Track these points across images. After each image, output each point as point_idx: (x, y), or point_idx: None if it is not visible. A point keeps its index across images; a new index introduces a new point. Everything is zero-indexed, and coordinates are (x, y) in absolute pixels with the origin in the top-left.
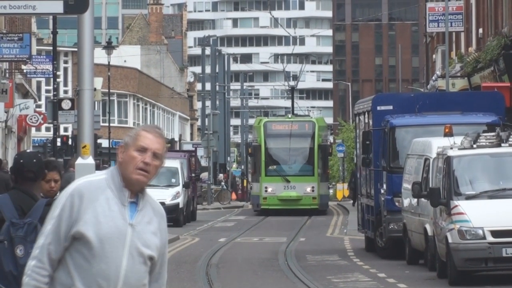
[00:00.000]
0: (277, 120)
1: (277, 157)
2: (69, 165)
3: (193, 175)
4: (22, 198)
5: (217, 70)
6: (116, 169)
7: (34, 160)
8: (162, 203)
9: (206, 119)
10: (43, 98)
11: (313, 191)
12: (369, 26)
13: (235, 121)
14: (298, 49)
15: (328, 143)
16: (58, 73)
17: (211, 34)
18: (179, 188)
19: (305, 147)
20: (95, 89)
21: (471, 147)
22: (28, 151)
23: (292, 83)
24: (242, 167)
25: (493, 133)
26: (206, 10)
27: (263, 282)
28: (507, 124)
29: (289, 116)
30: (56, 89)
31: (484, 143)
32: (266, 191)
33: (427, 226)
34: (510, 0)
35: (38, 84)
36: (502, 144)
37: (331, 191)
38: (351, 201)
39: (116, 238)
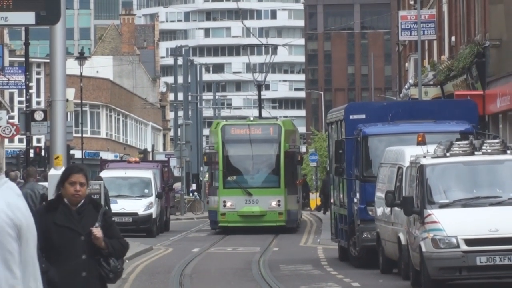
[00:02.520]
0: (237, 123)
1: (237, 166)
2: (28, 175)
3: (166, 185)
4: None
5: (189, 80)
6: None
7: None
8: (135, 214)
9: (179, 129)
10: (16, 109)
11: (279, 205)
12: (341, 35)
13: (208, 131)
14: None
15: (297, 149)
16: (30, 84)
17: (183, 44)
18: (152, 199)
19: (269, 154)
20: (67, 100)
21: (444, 156)
22: None
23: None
24: None
25: (466, 142)
26: (178, 20)
27: None
28: (480, 132)
29: (251, 118)
30: (28, 100)
31: (457, 152)
32: (224, 206)
33: (401, 235)
34: (482, 8)
35: (11, 95)
36: (476, 153)
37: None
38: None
39: None
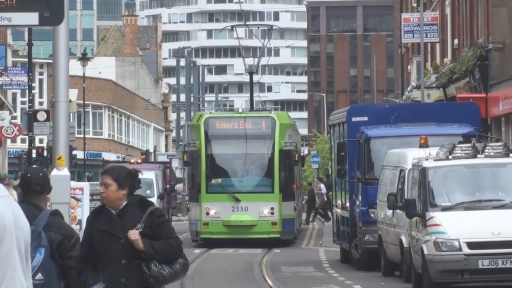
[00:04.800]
0: (223, 115)
1: (223, 167)
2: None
3: (168, 186)
4: (29, 210)
5: (191, 82)
6: None
7: (41, 174)
8: None
9: (181, 131)
10: (18, 109)
11: (272, 213)
12: (344, 37)
13: None
14: (273, 60)
15: (294, 146)
16: (33, 84)
17: (185, 46)
18: (154, 200)
19: (261, 153)
20: (70, 101)
21: (447, 158)
22: (34, 166)
23: (249, 60)
24: None
25: (468, 144)
26: (180, 22)
27: None
28: (482, 135)
29: (240, 110)
30: (31, 101)
31: (459, 154)
32: (207, 214)
33: (403, 238)
34: (485, 11)
35: (14, 95)
36: (478, 155)
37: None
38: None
39: None
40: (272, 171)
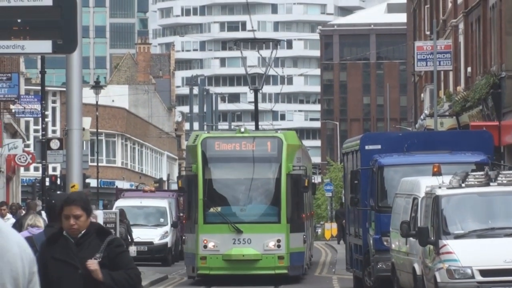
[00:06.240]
0: (222, 135)
1: (223, 194)
2: (29, 207)
3: (181, 214)
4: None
5: (205, 110)
6: None
7: None
8: (151, 243)
9: None
10: (31, 137)
11: (279, 246)
12: (357, 65)
13: None
14: (286, 88)
15: (303, 170)
16: (46, 112)
17: (199, 74)
18: (167, 228)
19: (266, 178)
20: (83, 129)
21: (460, 186)
22: (58, 192)
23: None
24: None
25: (481, 172)
26: (194, 50)
27: None
28: (495, 163)
29: (242, 129)
30: (44, 129)
31: (472, 183)
32: (205, 247)
33: (416, 265)
34: (498, 39)
35: (27, 123)
36: (491, 184)
37: (319, 230)
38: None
39: None
40: (279, 199)
